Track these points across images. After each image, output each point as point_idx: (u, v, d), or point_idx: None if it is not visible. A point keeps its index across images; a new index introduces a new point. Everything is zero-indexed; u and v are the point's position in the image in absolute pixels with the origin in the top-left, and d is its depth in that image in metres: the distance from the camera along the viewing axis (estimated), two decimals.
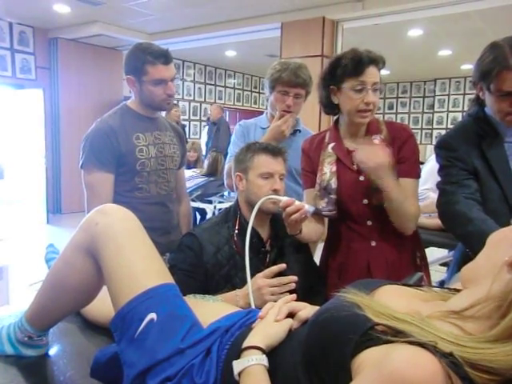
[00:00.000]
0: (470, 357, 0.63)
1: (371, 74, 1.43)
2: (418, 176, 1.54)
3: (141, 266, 1.02)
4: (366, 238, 1.53)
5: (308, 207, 1.34)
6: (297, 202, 1.34)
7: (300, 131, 2.01)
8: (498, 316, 0.69)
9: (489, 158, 1.44)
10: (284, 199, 1.36)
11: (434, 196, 3.03)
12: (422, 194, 3.40)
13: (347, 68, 1.44)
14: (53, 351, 1.24)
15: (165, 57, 1.72)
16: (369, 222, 1.52)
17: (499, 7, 4.59)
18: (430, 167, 3.43)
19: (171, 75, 1.75)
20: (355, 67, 1.42)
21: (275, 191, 1.45)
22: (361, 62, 1.42)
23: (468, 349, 0.65)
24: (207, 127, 7.41)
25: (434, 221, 2.85)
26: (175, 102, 7.58)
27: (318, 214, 1.56)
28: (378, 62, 1.45)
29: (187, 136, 8.88)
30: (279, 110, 1.87)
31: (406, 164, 1.49)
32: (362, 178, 1.50)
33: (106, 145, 1.69)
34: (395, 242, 1.53)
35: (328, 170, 1.53)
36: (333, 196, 1.51)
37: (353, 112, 1.47)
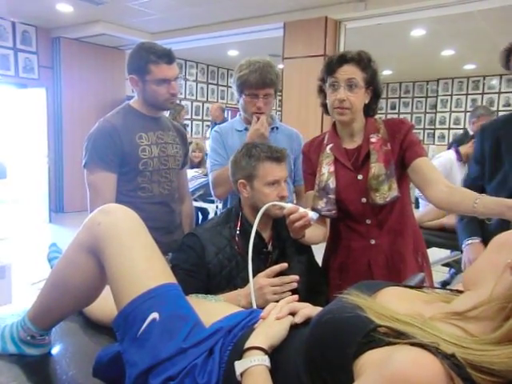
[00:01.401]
0: (472, 358, 0.63)
1: (344, 72, 1.47)
2: (426, 155, 1.54)
3: (143, 266, 1.02)
4: (365, 237, 1.54)
5: (312, 214, 1.34)
6: (301, 210, 1.34)
7: (277, 128, 2.01)
8: (502, 318, 0.69)
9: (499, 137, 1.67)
10: (288, 206, 1.36)
11: None
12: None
13: (325, 68, 1.53)
14: (55, 350, 1.24)
15: (168, 56, 1.73)
16: (368, 221, 1.53)
17: (502, 7, 4.58)
18: (438, 164, 3.43)
19: (174, 75, 1.76)
20: (328, 67, 1.51)
21: (282, 198, 1.45)
22: (332, 61, 1.50)
23: (470, 350, 0.65)
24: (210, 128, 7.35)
25: (437, 221, 2.85)
26: (178, 101, 7.56)
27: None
28: (354, 60, 1.47)
29: (189, 135, 8.88)
30: (250, 112, 1.88)
31: (413, 148, 1.49)
32: (360, 177, 1.51)
33: (109, 144, 1.70)
34: (395, 240, 1.54)
35: (326, 171, 1.54)
36: (331, 196, 1.52)
37: (331, 110, 1.52)
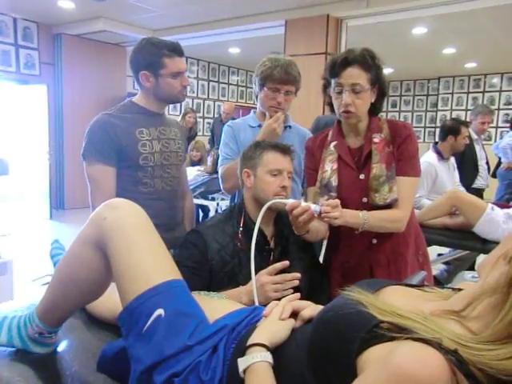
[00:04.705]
0: (470, 358, 0.63)
1: (348, 76, 1.44)
2: (415, 174, 1.53)
3: (149, 262, 1.02)
4: (366, 236, 1.53)
5: (314, 207, 1.34)
6: (303, 203, 1.34)
7: (291, 127, 2.02)
8: (495, 313, 0.69)
9: None
10: (290, 201, 1.36)
11: (429, 203, 3.01)
12: (416, 202, 3.32)
13: (328, 70, 1.50)
14: (59, 346, 1.25)
15: (179, 49, 1.77)
16: None
17: (504, 5, 4.58)
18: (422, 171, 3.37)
19: (185, 67, 1.81)
20: (332, 69, 1.48)
21: (283, 188, 1.46)
22: (336, 64, 1.46)
23: (469, 349, 0.65)
24: (215, 125, 7.16)
25: (439, 220, 2.85)
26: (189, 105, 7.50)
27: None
28: (357, 61, 1.44)
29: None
30: (269, 106, 1.88)
31: (403, 162, 1.50)
32: (362, 177, 1.51)
33: (105, 138, 1.69)
34: (396, 240, 1.54)
35: (329, 168, 1.54)
36: (333, 194, 1.52)
37: (338, 113, 1.51)
